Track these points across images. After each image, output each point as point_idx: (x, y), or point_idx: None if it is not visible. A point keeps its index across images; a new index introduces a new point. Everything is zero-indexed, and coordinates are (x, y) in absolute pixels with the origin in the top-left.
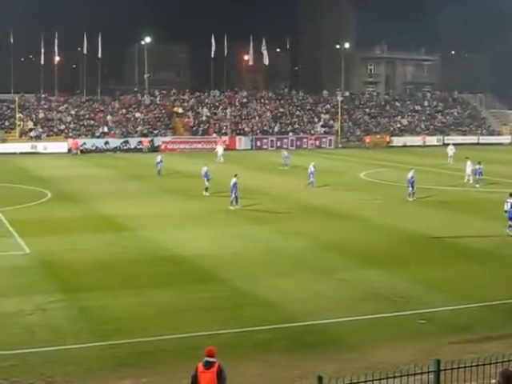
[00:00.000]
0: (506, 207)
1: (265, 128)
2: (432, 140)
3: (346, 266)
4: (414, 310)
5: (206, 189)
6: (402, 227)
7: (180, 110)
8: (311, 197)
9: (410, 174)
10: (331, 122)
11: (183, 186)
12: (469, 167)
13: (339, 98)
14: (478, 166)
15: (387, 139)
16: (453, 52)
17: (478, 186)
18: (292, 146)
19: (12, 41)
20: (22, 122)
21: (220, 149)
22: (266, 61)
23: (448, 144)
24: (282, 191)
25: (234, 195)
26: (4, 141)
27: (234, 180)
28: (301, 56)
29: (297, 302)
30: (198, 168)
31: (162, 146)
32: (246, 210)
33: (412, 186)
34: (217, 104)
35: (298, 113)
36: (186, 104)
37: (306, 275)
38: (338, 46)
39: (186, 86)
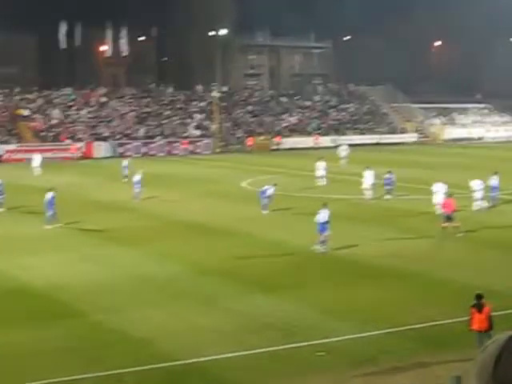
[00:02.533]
0: (318, 219)
1: (128, 132)
2: (325, 140)
3: (230, 292)
4: (310, 341)
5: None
6: (291, 243)
7: (25, 112)
8: (184, 211)
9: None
10: (207, 122)
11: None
12: (368, 178)
13: (215, 94)
14: (387, 176)
15: (275, 139)
16: (347, 38)
17: (389, 197)
18: (161, 151)
19: None
20: None
21: (37, 158)
22: (126, 52)
23: (340, 144)
24: (148, 205)
25: (51, 212)
26: None
27: (50, 195)
28: (170, 46)
29: (173, 337)
30: (45, 180)
31: (5, 156)
32: (104, 228)
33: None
34: (70, 104)
35: (167, 112)
36: (32, 105)
37: (182, 305)
38: (212, 33)
39: (33, 83)
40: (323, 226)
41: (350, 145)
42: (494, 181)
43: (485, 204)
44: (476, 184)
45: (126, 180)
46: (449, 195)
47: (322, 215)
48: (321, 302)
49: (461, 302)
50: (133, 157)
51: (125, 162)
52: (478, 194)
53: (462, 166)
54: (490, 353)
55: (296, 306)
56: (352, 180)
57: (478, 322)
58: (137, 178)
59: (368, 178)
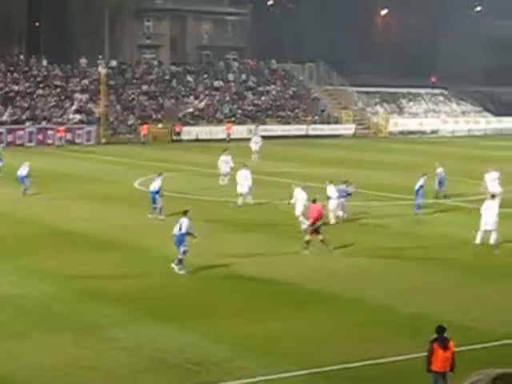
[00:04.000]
0: (177, 230)
1: None
2: (241, 131)
3: (116, 319)
4: (217, 383)
5: None
6: (193, 260)
7: None
8: (59, 217)
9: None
10: (91, 105)
11: None
12: (300, 200)
13: (102, 70)
14: (341, 187)
15: (176, 129)
16: (270, 2)
17: (342, 215)
18: (31, 141)
19: None
20: None
21: None
22: None
23: (252, 136)
24: (14, 208)
25: None
26: None
27: None
28: (44, 7)
29: (41, 376)
30: None
31: None
32: None
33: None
34: None
35: (40, 91)
36: None
37: (55, 335)
38: None
39: None
40: (180, 238)
41: (272, 136)
42: (418, 184)
43: (340, 214)
44: (331, 190)
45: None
46: (313, 200)
47: (179, 225)
48: (230, 336)
49: (406, 334)
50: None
51: None
52: (332, 204)
53: (406, 166)
54: None
55: (200, 338)
56: (264, 180)
57: (442, 360)
58: (24, 171)
59: (241, 178)
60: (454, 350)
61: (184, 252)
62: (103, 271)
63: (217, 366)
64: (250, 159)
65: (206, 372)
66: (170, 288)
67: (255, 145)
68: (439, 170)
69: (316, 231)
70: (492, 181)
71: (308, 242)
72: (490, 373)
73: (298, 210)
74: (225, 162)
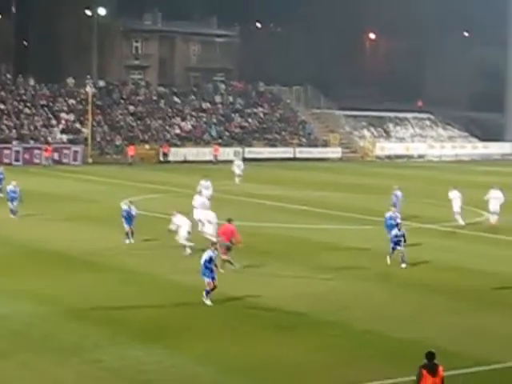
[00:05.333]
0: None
1: None
2: (228, 152)
3: (100, 340)
4: None
5: None
6: (182, 282)
7: None
8: (45, 237)
9: None
10: (78, 125)
11: None
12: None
13: (90, 90)
14: None
15: (164, 150)
16: (258, 25)
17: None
18: (18, 160)
19: None
20: None
21: None
22: None
23: (234, 160)
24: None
25: None
26: None
27: None
28: (33, 25)
29: None
30: None
31: None
32: None
33: None
34: None
35: (26, 110)
36: None
37: (38, 355)
38: (88, 13)
39: None
40: (202, 269)
41: (259, 159)
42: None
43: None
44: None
45: None
46: (228, 220)
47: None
48: (215, 357)
49: (393, 359)
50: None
51: None
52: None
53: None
54: None
55: (184, 361)
56: (245, 202)
57: None
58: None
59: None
60: (444, 375)
61: (208, 283)
62: (88, 291)
63: None
64: (233, 182)
65: None
66: (156, 309)
67: (237, 168)
68: (397, 192)
69: (228, 249)
70: (494, 199)
71: (229, 261)
72: None
73: (209, 230)
74: (205, 188)
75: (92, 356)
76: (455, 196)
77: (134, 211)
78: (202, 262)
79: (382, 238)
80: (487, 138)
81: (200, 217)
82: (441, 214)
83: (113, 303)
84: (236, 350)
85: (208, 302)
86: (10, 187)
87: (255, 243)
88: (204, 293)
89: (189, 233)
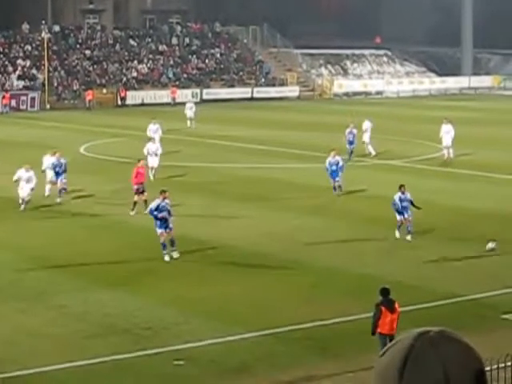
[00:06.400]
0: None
1: None
2: (186, 94)
3: (64, 286)
4: (166, 347)
5: None
6: (141, 225)
7: None
8: (4, 184)
9: None
10: (34, 71)
11: None
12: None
13: (45, 35)
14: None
15: (121, 94)
16: None
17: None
18: None
19: None
20: None
21: None
22: None
23: (186, 102)
24: None
25: None
26: None
27: None
28: None
29: None
30: None
31: None
32: None
33: None
34: None
35: None
36: None
37: (1, 303)
38: None
39: None
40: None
41: (217, 100)
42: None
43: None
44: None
45: None
46: (138, 160)
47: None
48: (179, 300)
49: (354, 296)
50: None
51: None
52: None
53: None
54: (395, 355)
55: (148, 304)
56: (202, 142)
57: (390, 323)
58: None
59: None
60: (400, 311)
61: (160, 234)
62: (50, 239)
63: (166, 331)
64: (186, 125)
65: (155, 336)
66: (117, 253)
67: (189, 111)
68: (353, 129)
69: (140, 192)
70: (446, 133)
71: (135, 203)
72: (414, 331)
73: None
74: (153, 131)
75: (56, 301)
76: (447, 130)
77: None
78: (148, 211)
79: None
80: (445, 73)
81: (154, 164)
82: (399, 149)
83: (74, 249)
84: (199, 291)
85: (166, 258)
86: None
87: (213, 184)
88: (161, 247)
89: (32, 189)
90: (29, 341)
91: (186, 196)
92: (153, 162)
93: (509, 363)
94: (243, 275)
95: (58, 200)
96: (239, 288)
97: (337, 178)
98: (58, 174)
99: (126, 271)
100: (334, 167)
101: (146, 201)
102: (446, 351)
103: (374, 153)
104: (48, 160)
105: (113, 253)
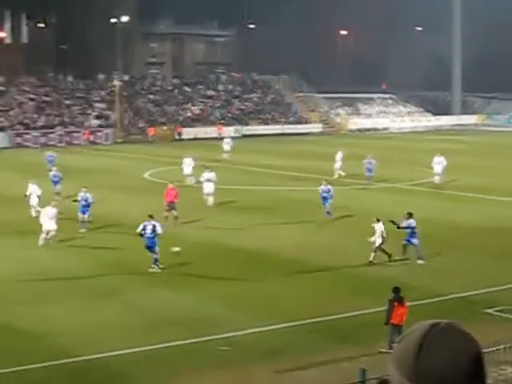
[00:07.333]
0: (141, 229)
1: (26, 121)
2: (229, 131)
3: (130, 286)
4: (213, 335)
5: None
6: (196, 237)
7: None
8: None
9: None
10: (108, 112)
11: None
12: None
13: (117, 83)
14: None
15: (177, 130)
16: (251, 26)
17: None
18: (61, 142)
19: None
20: None
21: None
22: (25, 39)
23: (224, 137)
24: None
25: None
26: None
27: None
28: (69, 32)
29: (71, 333)
30: None
31: None
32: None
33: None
34: None
35: (67, 102)
36: None
37: (79, 299)
38: (114, 21)
39: None
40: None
41: (255, 135)
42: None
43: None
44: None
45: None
46: (171, 183)
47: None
48: (224, 297)
49: (368, 294)
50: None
51: (49, 154)
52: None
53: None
54: (410, 342)
55: (198, 300)
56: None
57: (400, 315)
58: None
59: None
60: (408, 305)
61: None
62: (121, 247)
63: (213, 322)
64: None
65: (205, 326)
66: (179, 258)
67: (226, 145)
68: (371, 160)
69: (169, 209)
70: (437, 163)
71: (166, 218)
72: (426, 322)
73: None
74: (187, 165)
75: (126, 299)
76: (439, 161)
77: (90, 199)
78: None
79: (355, 199)
80: (438, 113)
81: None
82: (400, 175)
83: (136, 257)
84: (241, 290)
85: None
86: (53, 172)
87: (249, 202)
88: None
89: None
90: (102, 330)
91: (229, 213)
92: (208, 188)
93: (494, 348)
94: (279, 276)
95: (82, 230)
96: (276, 287)
97: (326, 204)
98: (83, 207)
99: (183, 275)
100: (324, 194)
101: (176, 217)
102: (453, 339)
103: (343, 174)
104: (36, 189)
105: (172, 257)
